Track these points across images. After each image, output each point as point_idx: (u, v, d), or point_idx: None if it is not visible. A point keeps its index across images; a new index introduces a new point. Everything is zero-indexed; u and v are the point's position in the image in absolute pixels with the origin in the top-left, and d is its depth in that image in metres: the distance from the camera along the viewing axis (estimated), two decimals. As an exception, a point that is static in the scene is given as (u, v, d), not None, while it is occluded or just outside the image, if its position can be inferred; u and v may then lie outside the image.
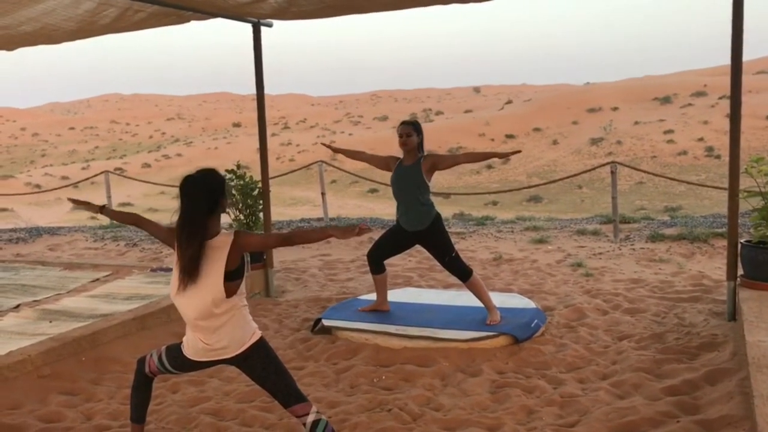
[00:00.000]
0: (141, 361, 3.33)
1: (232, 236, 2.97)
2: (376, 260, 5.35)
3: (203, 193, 2.94)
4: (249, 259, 6.42)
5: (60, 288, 6.45)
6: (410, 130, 5.06)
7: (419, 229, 5.06)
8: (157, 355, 3.26)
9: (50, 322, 5.28)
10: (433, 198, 5.16)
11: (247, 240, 2.99)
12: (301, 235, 2.98)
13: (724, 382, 3.81)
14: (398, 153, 5.23)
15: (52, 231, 11.49)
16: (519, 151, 5.37)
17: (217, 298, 2.97)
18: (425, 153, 5.15)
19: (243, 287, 3.10)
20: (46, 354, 4.55)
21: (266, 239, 3.04)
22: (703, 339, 4.61)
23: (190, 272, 2.94)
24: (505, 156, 5.03)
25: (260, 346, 3.13)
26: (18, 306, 5.82)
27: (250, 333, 3.13)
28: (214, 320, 3.03)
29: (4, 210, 28.45)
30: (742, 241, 5.04)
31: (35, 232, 11.29)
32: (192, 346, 3.11)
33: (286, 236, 3.03)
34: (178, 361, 3.20)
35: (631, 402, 3.72)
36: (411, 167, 5.05)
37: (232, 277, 2.99)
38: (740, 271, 5.02)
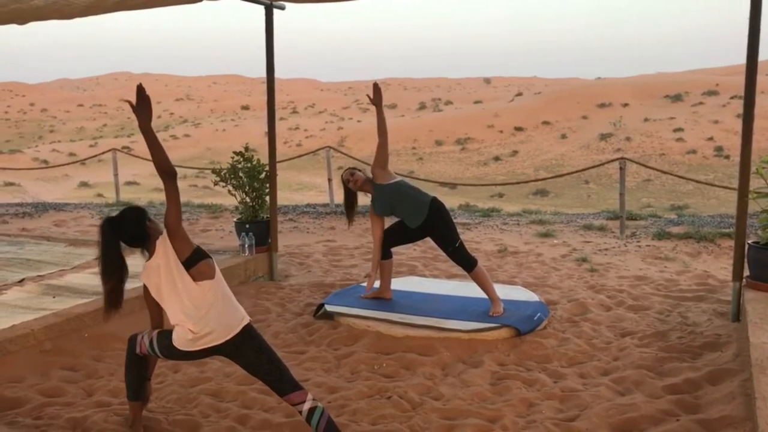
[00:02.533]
0: (132, 340, 3.34)
1: (164, 232, 3.11)
2: (384, 246, 5.35)
3: (112, 235, 3.12)
4: (254, 242, 6.42)
5: (64, 264, 6.47)
6: (350, 171, 5.29)
7: (421, 221, 5.07)
8: (148, 338, 3.27)
9: (54, 297, 5.30)
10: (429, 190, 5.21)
11: (169, 223, 3.07)
12: (158, 161, 3.01)
13: (726, 383, 3.80)
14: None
15: (59, 207, 11.52)
16: (376, 84, 5.33)
17: (191, 288, 3.06)
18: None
19: (218, 273, 3.16)
20: (49, 329, 4.57)
21: (168, 205, 3.06)
22: (707, 339, 4.59)
23: (112, 303, 3.14)
24: (378, 105, 5.24)
25: (250, 333, 3.15)
26: (22, 280, 5.84)
27: (239, 318, 3.15)
28: (198, 307, 3.06)
29: (11, 184, 28.50)
30: (749, 241, 5.01)
31: (41, 208, 11.32)
32: (181, 337, 3.13)
33: (164, 183, 3.02)
34: (168, 351, 3.22)
35: (632, 399, 3.72)
36: (374, 193, 5.19)
37: (193, 262, 3.08)
38: (746, 273, 5.00)
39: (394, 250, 5.50)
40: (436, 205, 5.09)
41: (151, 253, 3.16)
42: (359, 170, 5.32)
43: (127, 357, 3.36)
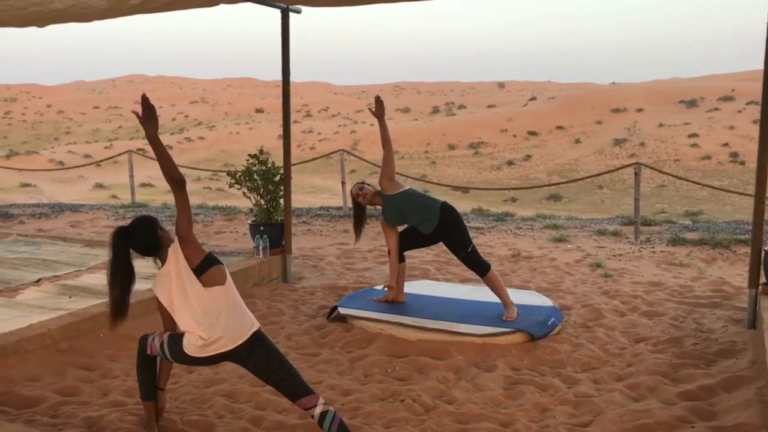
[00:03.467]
0: (143, 341, 3.36)
1: (175, 239, 3.14)
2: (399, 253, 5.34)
3: (123, 244, 3.16)
4: (268, 244, 6.45)
5: (80, 264, 6.52)
6: (359, 186, 5.31)
7: (434, 227, 5.08)
8: (159, 341, 3.28)
9: (70, 297, 5.35)
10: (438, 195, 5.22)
11: (180, 230, 3.10)
12: (166, 170, 3.04)
13: (741, 390, 3.77)
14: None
15: (75, 208, 11.62)
16: (378, 97, 5.35)
17: (200, 294, 3.09)
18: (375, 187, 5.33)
19: (229, 279, 3.19)
20: (65, 328, 4.61)
21: (178, 212, 3.10)
22: (722, 345, 4.56)
23: (118, 312, 3.17)
24: (381, 117, 5.25)
25: (260, 339, 3.17)
26: (39, 280, 5.89)
27: (249, 325, 3.17)
28: (208, 313, 3.09)
29: (27, 185, 28.78)
30: (765, 248, 4.98)
31: (57, 208, 11.42)
32: (192, 344, 3.15)
33: (174, 191, 3.05)
34: (178, 356, 3.24)
35: (646, 405, 3.70)
36: (384, 204, 5.21)
37: (204, 268, 3.11)
38: (762, 279, 4.97)
39: (406, 253, 5.51)
40: (446, 210, 5.10)
41: (163, 262, 3.20)
42: (368, 184, 5.35)
43: (138, 357, 3.39)
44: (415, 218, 5.17)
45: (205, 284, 3.09)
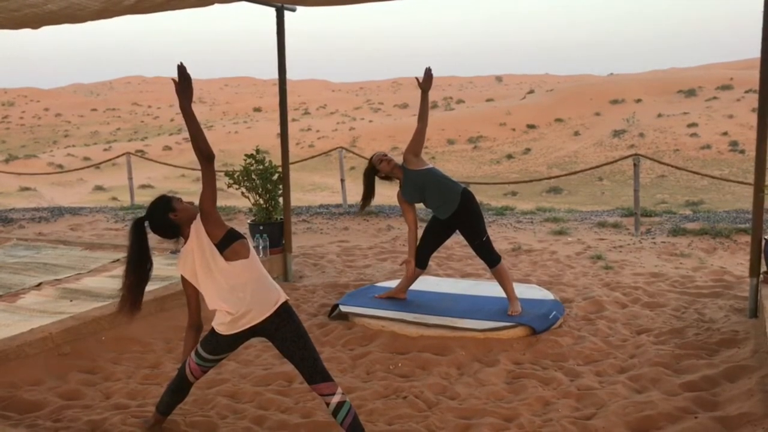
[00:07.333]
0: (183, 365, 3.35)
1: (197, 217, 3.11)
2: (424, 258, 5.32)
3: (138, 232, 3.17)
4: (268, 243, 6.44)
5: (81, 268, 6.51)
6: (378, 159, 5.16)
7: (452, 211, 5.02)
8: (194, 353, 3.28)
9: (71, 301, 5.34)
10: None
11: (203, 206, 3.05)
12: (196, 142, 3.01)
13: (744, 379, 3.77)
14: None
15: (74, 211, 11.61)
16: (428, 69, 5.15)
17: (224, 268, 3.06)
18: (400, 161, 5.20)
19: (253, 252, 3.16)
20: (67, 332, 4.61)
21: (203, 187, 3.05)
22: (724, 335, 4.56)
23: (131, 302, 3.18)
24: (426, 91, 5.07)
25: (289, 313, 3.15)
26: (40, 284, 5.89)
27: (276, 296, 3.14)
28: (234, 287, 3.07)
29: (27, 189, 28.78)
30: (766, 237, 4.97)
31: (57, 212, 11.42)
32: (221, 322, 3.14)
33: (201, 165, 3.02)
34: (212, 344, 3.22)
35: (649, 396, 3.69)
36: (405, 178, 5.11)
37: (227, 243, 3.07)
38: (763, 268, 4.96)
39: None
40: (467, 196, 5.04)
41: (185, 239, 3.16)
42: (388, 156, 5.19)
43: (175, 379, 3.38)
44: (435, 200, 5.06)
45: (228, 259, 3.06)
